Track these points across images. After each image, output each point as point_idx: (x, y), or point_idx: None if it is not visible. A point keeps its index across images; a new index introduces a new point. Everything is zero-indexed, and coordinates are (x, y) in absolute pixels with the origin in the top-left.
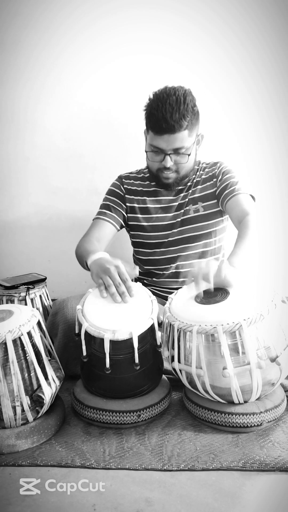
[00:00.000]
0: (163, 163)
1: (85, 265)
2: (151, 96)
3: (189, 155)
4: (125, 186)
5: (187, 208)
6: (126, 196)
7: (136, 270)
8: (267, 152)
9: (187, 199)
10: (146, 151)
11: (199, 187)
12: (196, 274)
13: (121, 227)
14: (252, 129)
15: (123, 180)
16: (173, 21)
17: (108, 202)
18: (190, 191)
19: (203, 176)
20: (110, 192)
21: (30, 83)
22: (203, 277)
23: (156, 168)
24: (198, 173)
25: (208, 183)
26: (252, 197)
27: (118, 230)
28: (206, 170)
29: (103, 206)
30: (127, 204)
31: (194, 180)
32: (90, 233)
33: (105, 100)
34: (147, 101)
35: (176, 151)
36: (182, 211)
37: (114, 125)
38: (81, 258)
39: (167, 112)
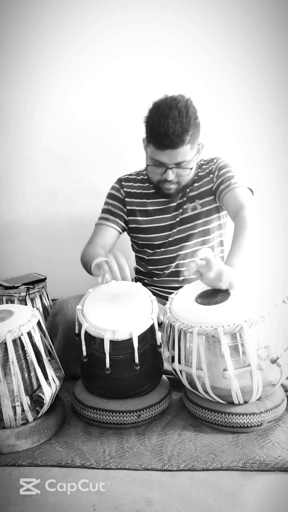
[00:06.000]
0: (165, 176)
1: (90, 271)
2: (151, 108)
3: (190, 168)
4: (124, 189)
5: (185, 206)
6: (126, 199)
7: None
8: (267, 152)
9: (185, 198)
10: (147, 164)
11: (195, 184)
12: (199, 264)
13: (123, 230)
14: (252, 129)
15: (123, 183)
16: (173, 21)
17: (108, 207)
18: (188, 189)
19: (199, 174)
20: (110, 196)
21: (29, 83)
22: (206, 266)
23: (157, 180)
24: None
25: (204, 180)
26: (251, 190)
27: (121, 233)
28: (203, 167)
29: (104, 211)
30: (127, 207)
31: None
32: (94, 239)
33: (105, 100)
34: (147, 112)
35: (178, 165)
36: (181, 210)
37: (114, 125)
38: (87, 266)
39: (170, 127)
